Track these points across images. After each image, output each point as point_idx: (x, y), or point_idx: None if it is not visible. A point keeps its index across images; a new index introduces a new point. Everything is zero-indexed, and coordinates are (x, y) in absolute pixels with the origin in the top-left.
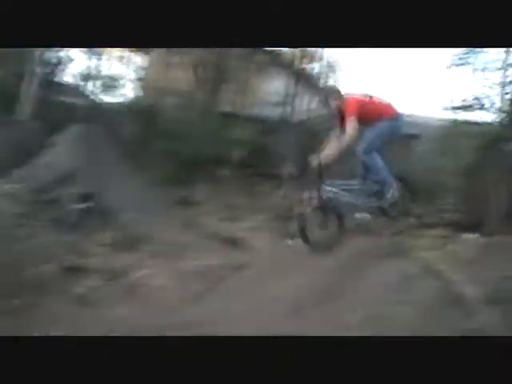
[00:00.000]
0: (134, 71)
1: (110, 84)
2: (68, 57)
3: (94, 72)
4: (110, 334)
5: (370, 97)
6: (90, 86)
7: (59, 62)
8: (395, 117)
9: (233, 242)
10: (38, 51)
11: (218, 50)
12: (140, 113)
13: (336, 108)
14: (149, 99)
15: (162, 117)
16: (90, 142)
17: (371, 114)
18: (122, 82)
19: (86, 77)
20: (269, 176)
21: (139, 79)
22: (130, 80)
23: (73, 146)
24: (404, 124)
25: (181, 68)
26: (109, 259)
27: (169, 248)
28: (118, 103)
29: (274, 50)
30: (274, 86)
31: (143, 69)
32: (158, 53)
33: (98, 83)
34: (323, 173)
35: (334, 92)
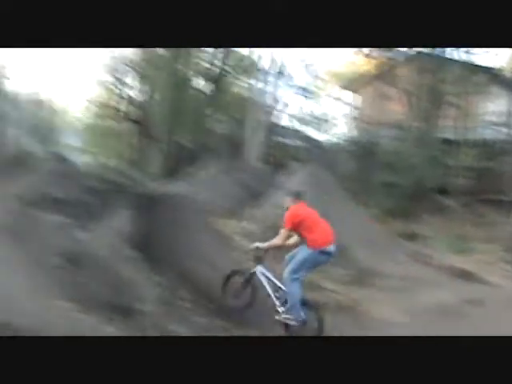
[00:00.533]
0: (348, 107)
1: (326, 123)
2: (284, 101)
3: (309, 112)
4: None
5: (315, 214)
6: (306, 126)
7: (277, 106)
8: (326, 250)
9: (464, 276)
10: (258, 98)
11: (430, 74)
12: (358, 148)
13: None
14: (365, 133)
15: (380, 150)
16: (315, 180)
17: (304, 230)
18: (336, 119)
19: (303, 118)
20: (497, 202)
21: (353, 115)
22: (345, 116)
23: (299, 184)
24: (330, 254)
25: (394, 98)
26: (341, 293)
27: (398, 282)
28: (336, 140)
29: (492, 69)
30: (495, 106)
31: (356, 104)
32: (371, 87)
33: (315, 123)
34: (260, 257)
35: (291, 194)
